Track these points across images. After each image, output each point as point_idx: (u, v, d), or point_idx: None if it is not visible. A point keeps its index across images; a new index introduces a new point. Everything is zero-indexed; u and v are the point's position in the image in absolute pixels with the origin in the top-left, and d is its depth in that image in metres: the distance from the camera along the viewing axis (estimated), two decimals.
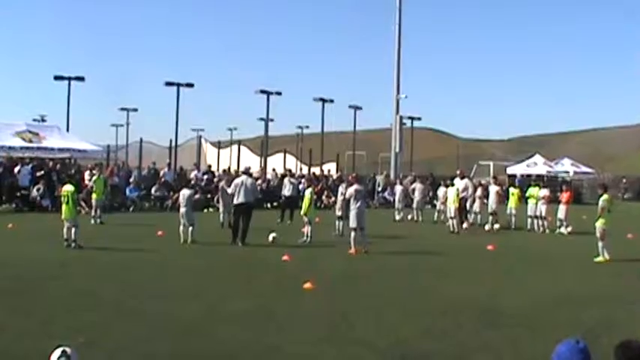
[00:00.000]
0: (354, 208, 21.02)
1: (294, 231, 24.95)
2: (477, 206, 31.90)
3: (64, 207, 20.17)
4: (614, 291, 15.28)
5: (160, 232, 24.14)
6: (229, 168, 45.86)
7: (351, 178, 24.02)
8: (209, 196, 37.63)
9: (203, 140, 57.40)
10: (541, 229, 29.45)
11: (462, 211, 29.70)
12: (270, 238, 22.58)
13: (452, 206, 28.72)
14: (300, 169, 51.74)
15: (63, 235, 19.94)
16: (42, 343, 9.25)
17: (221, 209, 27.68)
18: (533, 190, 30.85)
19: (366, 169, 56.81)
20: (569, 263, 19.96)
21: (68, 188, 20.52)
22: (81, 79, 47.57)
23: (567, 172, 59.08)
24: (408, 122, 60.99)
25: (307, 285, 14.41)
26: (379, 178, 49.88)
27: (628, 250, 21.82)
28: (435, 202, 36.41)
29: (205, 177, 41.39)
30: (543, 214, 29.82)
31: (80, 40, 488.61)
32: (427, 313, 12.29)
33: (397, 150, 53.55)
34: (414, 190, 35.41)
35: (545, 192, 30.41)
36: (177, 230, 22.17)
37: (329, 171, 51.44)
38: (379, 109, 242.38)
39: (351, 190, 21.59)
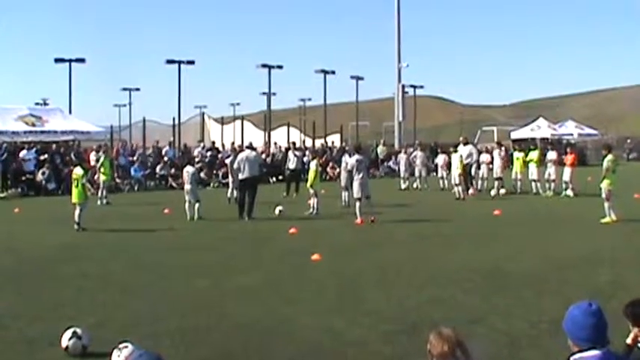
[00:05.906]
0: (357, 178, 20.98)
1: (300, 204, 24.96)
2: (483, 172, 31.85)
3: (74, 190, 20.10)
4: (622, 252, 15.26)
5: (166, 211, 24.15)
6: (233, 144, 45.81)
7: (352, 148, 23.98)
8: (214, 172, 37.69)
9: (206, 117, 57.05)
10: (547, 191, 29.34)
11: (467, 177, 29.67)
12: (277, 211, 22.62)
13: (456, 173, 28.68)
14: (304, 142, 51.58)
15: (73, 218, 19.77)
16: (53, 325, 9.30)
17: (230, 185, 27.62)
18: (532, 154, 30.85)
19: (370, 139, 56.69)
20: (575, 225, 19.94)
21: (78, 172, 20.37)
22: (81, 60, 47.55)
23: (571, 135, 58.79)
24: (411, 91, 60.92)
25: (315, 257, 14.46)
26: (380, 149, 49.27)
27: (634, 210, 21.78)
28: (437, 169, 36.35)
29: (209, 153, 41.36)
30: (552, 176, 29.76)
31: (79, 21, 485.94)
32: (436, 280, 12.31)
33: (400, 119, 53.43)
34: (415, 158, 35.56)
35: (553, 155, 30.45)
36: (184, 208, 22.19)
37: (332, 143, 51.29)
38: (381, 79, 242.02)
39: (352, 160, 21.56)
